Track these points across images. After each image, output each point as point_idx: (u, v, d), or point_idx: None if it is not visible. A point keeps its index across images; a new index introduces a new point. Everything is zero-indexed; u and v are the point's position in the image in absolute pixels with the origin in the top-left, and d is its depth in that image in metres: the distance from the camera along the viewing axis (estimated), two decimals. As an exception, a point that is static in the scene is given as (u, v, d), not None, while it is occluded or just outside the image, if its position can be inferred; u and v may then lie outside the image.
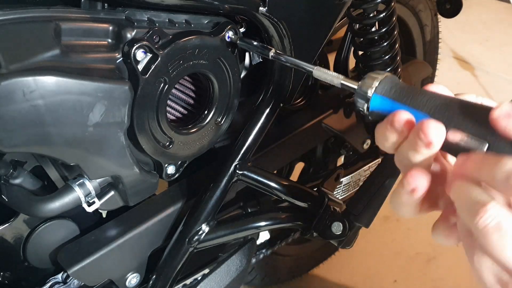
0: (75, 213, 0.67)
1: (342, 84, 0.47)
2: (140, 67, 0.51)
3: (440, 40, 1.29)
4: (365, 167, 1.02)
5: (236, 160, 0.67)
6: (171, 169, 0.63)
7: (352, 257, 1.49)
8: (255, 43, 0.59)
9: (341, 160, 1.16)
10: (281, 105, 0.70)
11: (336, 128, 0.96)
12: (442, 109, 0.38)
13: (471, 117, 0.37)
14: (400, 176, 0.48)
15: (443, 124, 0.37)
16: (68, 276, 0.69)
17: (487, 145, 0.36)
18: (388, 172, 0.73)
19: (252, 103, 0.71)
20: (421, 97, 0.40)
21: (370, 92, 0.43)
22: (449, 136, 0.37)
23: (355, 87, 0.44)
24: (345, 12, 0.72)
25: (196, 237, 0.69)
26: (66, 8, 0.48)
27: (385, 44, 0.81)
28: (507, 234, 0.33)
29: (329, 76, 0.48)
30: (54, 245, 0.67)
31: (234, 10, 0.57)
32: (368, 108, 0.43)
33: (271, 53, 0.55)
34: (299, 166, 1.19)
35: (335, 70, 1.04)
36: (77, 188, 0.55)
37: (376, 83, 0.42)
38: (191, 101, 0.66)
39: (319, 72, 0.49)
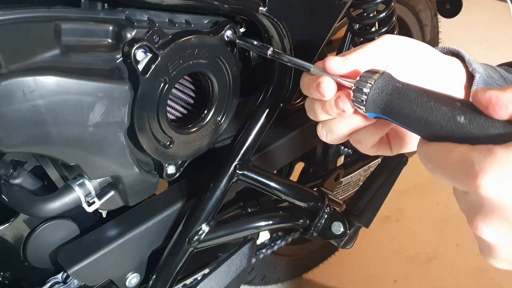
0: (75, 213, 0.67)
1: (338, 82, 0.47)
2: (140, 67, 0.51)
3: (440, 40, 1.29)
4: (365, 167, 1.02)
5: (236, 160, 0.67)
6: (171, 169, 0.63)
7: (352, 257, 1.49)
8: (253, 41, 0.59)
9: (341, 160, 1.16)
10: (281, 105, 0.70)
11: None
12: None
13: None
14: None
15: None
16: (68, 276, 0.69)
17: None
18: (388, 172, 0.73)
19: (252, 103, 0.71)
20: (414, 94, 0.40)
21: (366, 90, 0.43)
22: None
23: (352, 85, 0.44)
24: (345, 12, 0.72)
25: (196, 237, 0.69)
26: (66, 8, 0.48)
27: (385, 44, 0.81)
28: None
29: (326, 74, 0.48)
30: (54, 245, 0.67)
31: (234, 10, 0.57)
32: (364, 106, 0.43)
33: (269, 52, 0.55)
34: (299, 166, 1.19)
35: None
36: (77, 188, 0.55)
37: (372, 82, 0.42)
38: (191, 101, 0.66)
39: (316, 70, 0.49)
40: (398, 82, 0.42)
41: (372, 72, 0.44)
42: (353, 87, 0.44)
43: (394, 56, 0.49)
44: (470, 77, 0.52)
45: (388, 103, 0.41)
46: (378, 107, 0.42)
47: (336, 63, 0.47)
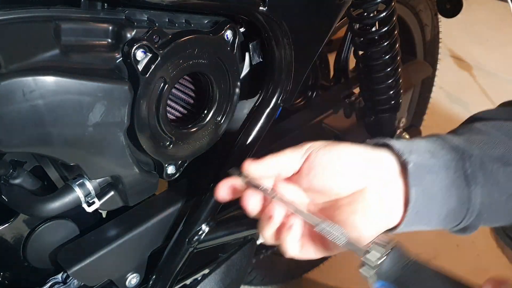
0: (75, 213, 0.67)
1: (347, 245, 0.44)
2: (140, 67, 0.51)
3: (440, 40, 1.29)
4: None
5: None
6: (171, 169, 0.63)
7: (352, 258, 1.49)
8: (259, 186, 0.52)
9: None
10: (281, 105, 0.70)
11: (336, 128, 0.96)
12: None
13: None
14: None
15: None
16: (68, 276, 0.69)
17: None
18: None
19: (252, 103, 0.71)
20: (426, 275, 0.40)
21: (377, 262, 0.42)
22: None
23: (363, 250, 0.44)
24: (345, 12, 0.72)
25: (196, 237, 0.69)
26: (66, 8, 0.47)
27: (385, 44, 0.81)
28: None
29: (336, 231, 0.45)
30: (54, 245, 0.67)
31: (234, 10, 0.57)
32: (374, 277, 0.43)
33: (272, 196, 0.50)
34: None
35: (335, 70, 1.03)
36: (77, 188, 0.55)
37: (384, 254, 0.42)
38: (191, 101, 0.66)
39: (323, 226, 0.45)
40: (410, 258, 0.42)
41: (385, 242, 0.43)
42: (364, 256, 0.43)
43: (314, 157, 0.51)
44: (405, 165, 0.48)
45: (398, 277, 0.41)
46: (388, 279, 0.42)
47: (252, 166, 0.49)
